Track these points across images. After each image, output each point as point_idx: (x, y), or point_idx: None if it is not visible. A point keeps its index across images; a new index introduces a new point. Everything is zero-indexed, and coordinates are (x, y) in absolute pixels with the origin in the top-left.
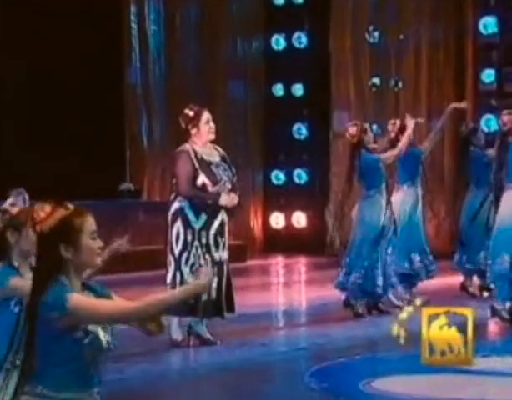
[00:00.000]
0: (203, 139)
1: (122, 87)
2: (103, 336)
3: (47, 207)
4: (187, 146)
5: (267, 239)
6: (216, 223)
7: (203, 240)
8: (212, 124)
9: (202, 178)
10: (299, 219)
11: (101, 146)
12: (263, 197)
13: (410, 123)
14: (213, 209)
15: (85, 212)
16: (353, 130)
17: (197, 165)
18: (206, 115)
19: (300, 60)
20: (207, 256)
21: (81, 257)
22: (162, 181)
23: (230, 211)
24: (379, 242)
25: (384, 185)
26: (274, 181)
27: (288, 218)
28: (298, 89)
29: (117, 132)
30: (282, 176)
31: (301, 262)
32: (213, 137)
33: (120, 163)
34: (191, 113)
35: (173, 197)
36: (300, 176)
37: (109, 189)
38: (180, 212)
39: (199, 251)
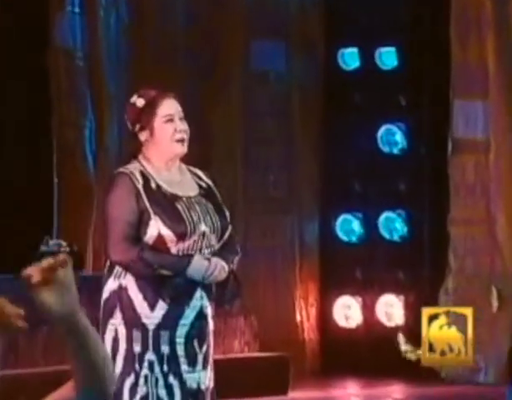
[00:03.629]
0: (162, 153)
1: (45, 55)
2: None
3: None
4: (131, 166)
5: (328, 348)
6: (189, 316)
7: (165, 349)
8: (180, 124)
9: (156, 227)
10: (391, 310)
11: (5, 169)
12: (321, 266)
13: None
14: (182, 289)
15: None
16: None
17: (146, 201)
18: (168, 104)
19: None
20: (171, 380)
21: None
22: None
23: (217, 292)
24: None
25: None
26: (342, 236)
27: (369, 308)
28: (387, 56)
29: (38, 138)
30: (357, 225)
31: (396, 395)
32: (181, 149)
33: (42, 202)
34: (140, 102)
35: (107, 269)
36: (393, 225)
37: (21, 252)
38: (119, 297)
39: (157, 371)
